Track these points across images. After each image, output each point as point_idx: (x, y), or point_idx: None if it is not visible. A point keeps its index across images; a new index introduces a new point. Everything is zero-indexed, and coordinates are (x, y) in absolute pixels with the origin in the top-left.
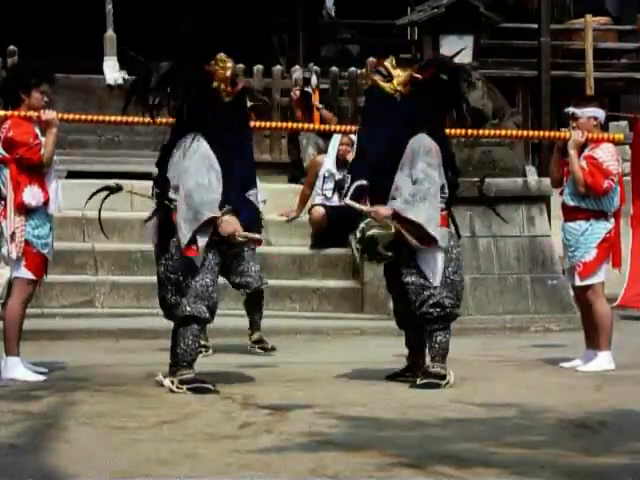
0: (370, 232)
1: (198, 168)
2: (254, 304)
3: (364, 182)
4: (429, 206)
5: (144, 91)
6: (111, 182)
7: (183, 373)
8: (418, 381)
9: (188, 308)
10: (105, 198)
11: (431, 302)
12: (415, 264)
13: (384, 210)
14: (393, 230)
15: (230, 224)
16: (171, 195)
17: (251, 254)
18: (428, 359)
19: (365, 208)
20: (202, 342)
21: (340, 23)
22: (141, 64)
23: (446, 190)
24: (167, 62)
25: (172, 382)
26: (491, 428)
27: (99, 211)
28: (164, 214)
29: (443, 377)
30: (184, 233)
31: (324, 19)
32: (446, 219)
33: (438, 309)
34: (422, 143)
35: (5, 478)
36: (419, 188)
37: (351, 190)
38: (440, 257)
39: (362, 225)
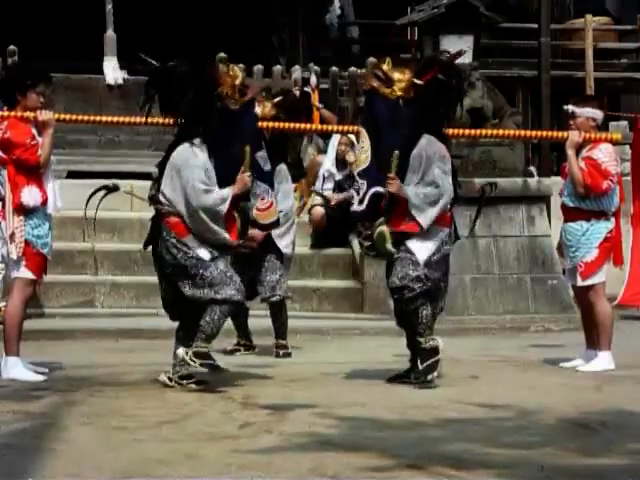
0: (380, 228)
1: (197, 175)
2: (272, 313)
3: (380, 189)
4: (436, 212)
5: (163, 93)
6: (109, 182)
7: (199, 345)
8: (419, 365)
9: (218, 295)
10: (103, 197)
11: (414, 275)
12: (405, 242)
13: (394, 188)
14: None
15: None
16: (161, 198)
17: (273, 265)
18: (419, 337)
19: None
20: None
21: (340, 23)
22: (154, 66)
23: (452, 194)
24: (181, 64)
25: (187, 353)
26: (491, 428)
27: (96, 210)
28: (158, 216)
29: (437, 350)
30: (215, 230)
31: (331, 24)
32: (450, 220)
33: (420, 284)
34: (436, 148)
35: (5, 478)
36: (433, 192)
37: (367, 197)
38: (432, 239)
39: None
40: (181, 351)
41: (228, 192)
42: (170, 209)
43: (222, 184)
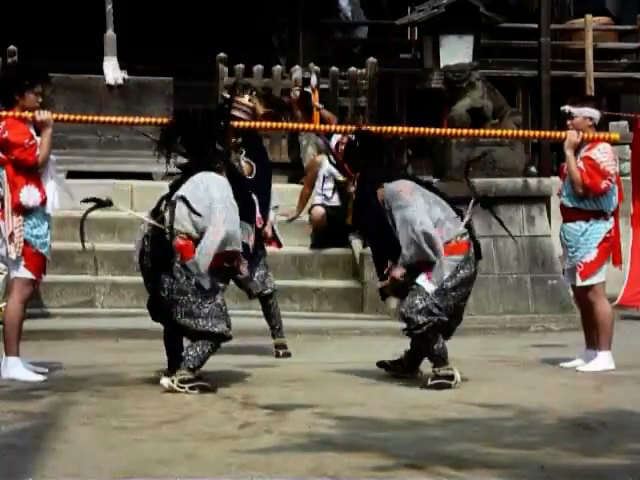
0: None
1: (227, 200)
2: (265, 310)
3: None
4: (422, 245)
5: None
6: (103, 198)
7: (184, 374)
8: (429, 382)
9: (216, 329)
10: (91, 209)
11: (421, 307)
12: (417, 274)
13: (398, 272)
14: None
15: (245, 267)
16: (176, 226)
17: (256, 261)
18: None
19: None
20: None
21: (340, 23)
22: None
23: (448, 225)
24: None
25: (172, 381)
26: (491, 428)
27: (82, 220)
28: (161, 238)
29: (452, 377)
30: (206, 253)
31: (341, 20)
32: (463, 247)
33: (427, 317)
34: (388, 191)
35: (5, 478)
36: (404, 235)
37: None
38: (442, 269)
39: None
40: (165, 381)
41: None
42: (182, 230)
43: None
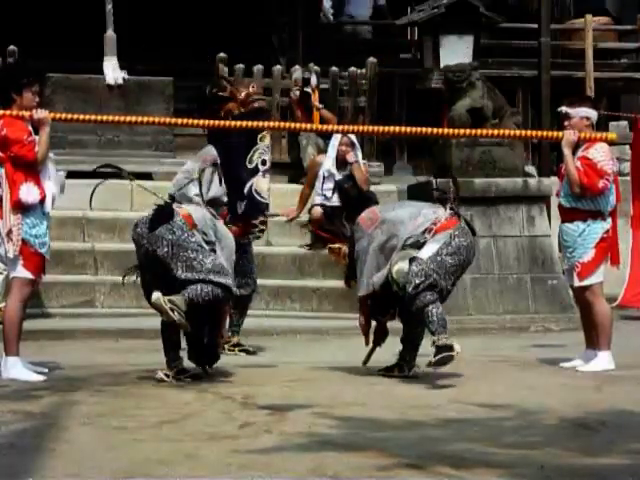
0: (399, 265)
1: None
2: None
3: None
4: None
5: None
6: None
7: (176, 300)
8: (431, 359)
9: (216, 278)
10: (103, 178)
11: (416, 270)
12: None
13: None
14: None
15: None
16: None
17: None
18: (433, 336)
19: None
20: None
21: (339, 24)
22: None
23: (424, 211)
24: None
25: (167, 375)
26: (491, 428)
27: (95, 186)
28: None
29: (451, 348)
30: None
31: (322, 21)
32: (453, 222)
33: (422, 278)
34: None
35: (5, 478)
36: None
37: None
38: (437, 242)
39: (387, 267)
40: (160, 373)
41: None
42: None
43: None
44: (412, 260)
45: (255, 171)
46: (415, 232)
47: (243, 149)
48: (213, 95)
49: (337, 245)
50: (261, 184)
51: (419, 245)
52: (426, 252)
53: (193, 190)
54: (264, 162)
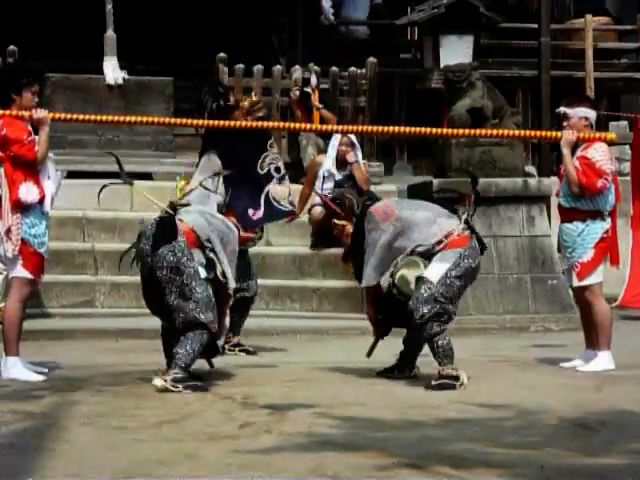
0: (402, 271)
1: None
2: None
3: None
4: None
5: None
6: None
7: (177, 373)
8: (432, 382)
9: (202, 316)
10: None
11: (425, 295)
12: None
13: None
14: (422, 266)
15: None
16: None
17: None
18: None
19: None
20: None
21: (339, 24)
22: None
23: (439, 221)
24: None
25: (165, 380)
26: (491, 428)
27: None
28: (169, 220)
29: (456, 378)
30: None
31: (323, 23)
32: (465, 240)
33: (430, 305)
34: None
35: (5, 478)
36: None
37: None
38: (446, 261)
39: (391, 269)
40: (158, 381)
41: None
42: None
43: None
44: (420, 280)
45: (267, 177)
46: (427, 242)
47: (253, 156)
48: (218, 107)
49: (343, 222)
50: (278, 191)
51: (428, 256)
52: (435, 273)
53: (214, 202)
54: (278, 169)
